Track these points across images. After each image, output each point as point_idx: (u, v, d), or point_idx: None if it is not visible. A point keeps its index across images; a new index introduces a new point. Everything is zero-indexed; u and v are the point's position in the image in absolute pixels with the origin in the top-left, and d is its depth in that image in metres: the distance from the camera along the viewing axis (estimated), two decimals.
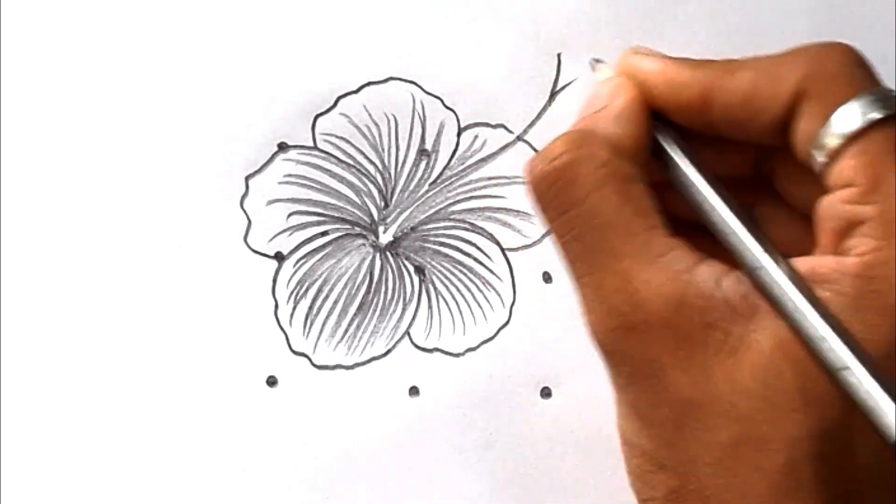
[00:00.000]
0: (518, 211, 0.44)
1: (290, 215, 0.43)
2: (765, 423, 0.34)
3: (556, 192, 0.37)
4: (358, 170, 0.44)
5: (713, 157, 0.38)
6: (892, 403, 0.32)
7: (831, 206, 0.35)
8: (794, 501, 0.34)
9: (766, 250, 0.35)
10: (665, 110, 0.38)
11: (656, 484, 0.36)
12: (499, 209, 0.44)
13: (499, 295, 0.44)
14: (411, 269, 0.44)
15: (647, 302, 0.35)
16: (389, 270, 0.43)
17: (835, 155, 0.35)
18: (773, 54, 0.37)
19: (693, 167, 0.38)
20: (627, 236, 0.36)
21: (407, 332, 0.43)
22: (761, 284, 0.35)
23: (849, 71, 0.36)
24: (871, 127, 0.35)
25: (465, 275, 0.44)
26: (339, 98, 0.43)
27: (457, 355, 0.43)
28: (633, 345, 0.35)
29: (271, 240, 0.43)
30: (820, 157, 0.36)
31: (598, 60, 0.40)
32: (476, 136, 0.44)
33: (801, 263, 0.35)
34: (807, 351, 0.34)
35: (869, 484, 0.34)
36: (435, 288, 0.43)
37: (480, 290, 0.43)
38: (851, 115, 0.35)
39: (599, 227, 0.36)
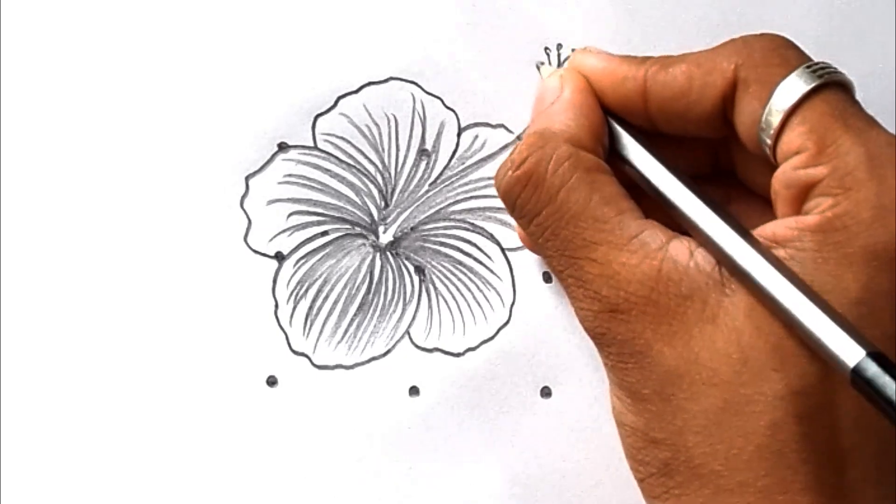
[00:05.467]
0: None
1: (290, 215, 0.43)
2: (744, 386, 0.34)
3: (527, 195, 0.38)
4: (358, 170, 0.44)
5: (670, 155, 0.39)
6: (852, 342, 0.33)
7: (784, 175, 0.36)
8: (779, 464, 0.34)
9: (724, 221, 0.36)
10: (611, 106, 0.39)
11: (650, 460, 0.36)
12: (499, 209, 0.44)
13: (499, 295, 0.44)
14: (411, 269, 0.44)
15: (627, 282, 0.36)
16: (389, 270, 0.43)
17: (780, 131, 0.36)
18: (707, 49, 0.38)
19: (647, 153, 0.39)
20: (599, 224, 0.37)
21: (407, 332, 0.43)
22: (718, 255, 0.36)
23: (780, 52, 0.37)
24: (809, 96, 0.36)
25: (465, 275, 0.44)
26: (339, 98, 0.44)
27: (457, 355, 0.43)
28: (618, 325, 0.36)
29: (271, 240, 0.43)
30: (767, 138, 0.36)
31: (541, 63, 0.43)
32: (476, 136, 0.44)
33: (763, 229, 0.36)
34: (771, 311, 0.35)
35: (851, 444, 0.35)
36: (435, 288, 0.43)
37: (480, 290, 0.44)
38: (789, 90, 0.36)
39: (572, 221, 0.37)
